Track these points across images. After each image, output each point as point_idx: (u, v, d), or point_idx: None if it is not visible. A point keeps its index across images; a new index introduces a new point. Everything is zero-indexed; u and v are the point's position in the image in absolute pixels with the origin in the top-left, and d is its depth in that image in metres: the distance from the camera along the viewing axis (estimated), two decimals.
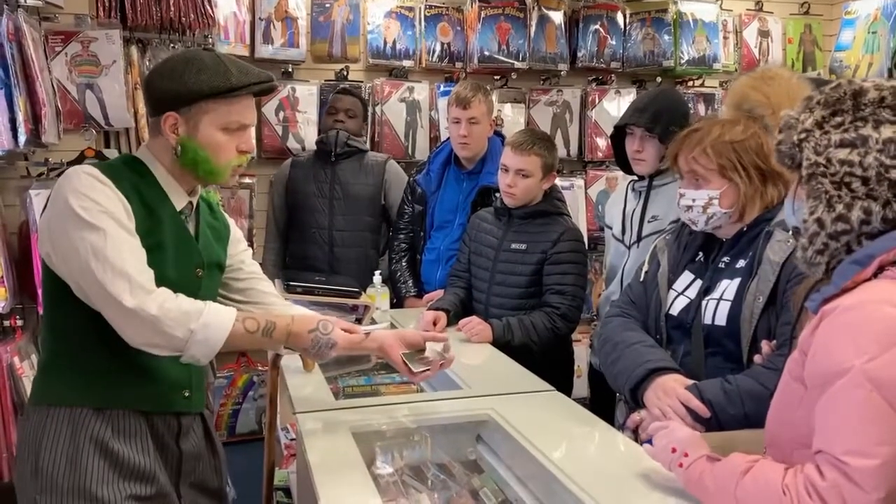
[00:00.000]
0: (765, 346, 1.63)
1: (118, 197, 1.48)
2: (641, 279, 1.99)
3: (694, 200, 1.78)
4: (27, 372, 2.73)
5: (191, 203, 1.65)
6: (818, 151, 1.20)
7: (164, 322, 1.43)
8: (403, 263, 3.16)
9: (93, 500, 1.48)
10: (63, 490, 1.48)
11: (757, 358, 1.63)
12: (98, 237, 1.42)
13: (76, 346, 1.53)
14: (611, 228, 2.70)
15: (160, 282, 1.50)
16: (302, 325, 1.61)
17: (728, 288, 1.74)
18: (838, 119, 1.20)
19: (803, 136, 1.22)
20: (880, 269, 1.13)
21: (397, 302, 3.15)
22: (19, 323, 2.77)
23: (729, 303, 1.72)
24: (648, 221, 2.49)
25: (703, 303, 1.76)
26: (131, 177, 1.55)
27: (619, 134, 2.57)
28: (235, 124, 1.58)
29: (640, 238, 2.50)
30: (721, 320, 1.72)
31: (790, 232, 1.41)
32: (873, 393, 1.06)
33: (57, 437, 1.50)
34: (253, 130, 1.68)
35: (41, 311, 2.64)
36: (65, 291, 1.48)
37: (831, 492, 1.07)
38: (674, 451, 1.34)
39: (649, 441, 1.63)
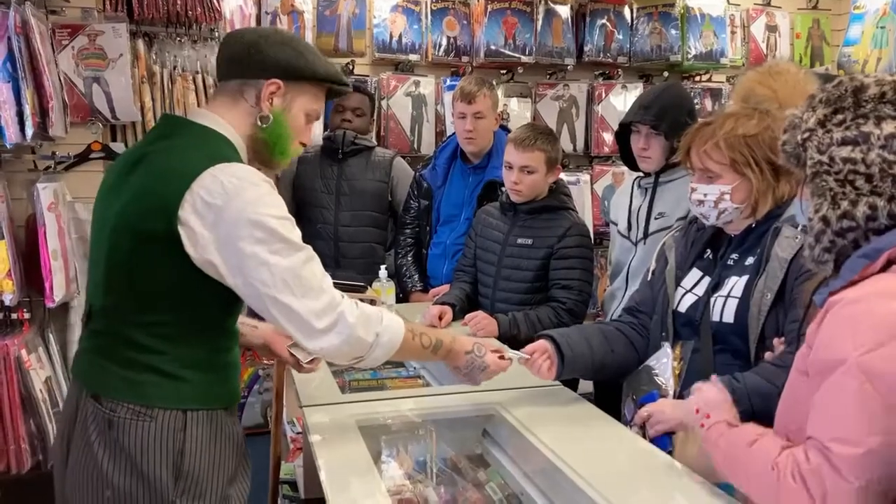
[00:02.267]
0: (776, 343, 1.63)
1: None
2: (648, 278, 1.99)
3: (706, 195, 1.77)
4: (34, 365, 2.74)
5: None
6: (821, 150, 1.20)
7: (357, 329, 1.46)
8: (409, 258, 3.16)
9: (227, 500, 1.50)
10: (206, 492, 1.46)
11: (767, 355, 1.63)
12: (294, 251, 1.41)
13: (212, 348, 1.48)
14: (616, 224, 2.69)
15: None
16: (461, 345, 1.70)
17: (736, 285, 1.73)
18: (840, 117, 1.20)
19: (806, 135, 1.22)
20: (889, 264, 1.13)
21: (403, 296, 3.15)
22: (26, 316, 2.78)
23: (737, 300, 1.71)
24: (655, 218, 2.48)
25: (712, 300, 1.76)
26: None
27: (625, 131, 2.55)
28: (316, 115, 1.60)
29: (646, 235, 2.49)
30: (729, 317, 1.71)
31: (799, 228, 1.41)
32: (866, 384, 1.08)
33: (200, 440, 1.46)
34: None
35: (51, 304, 2.69)
36: (198, 294, 1.42)
37: (813, 476, 1.10)
38: (697, 411, 1.38)
39: (657, 437, 1.63)
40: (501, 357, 1.76)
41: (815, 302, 1.22)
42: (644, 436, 1.66)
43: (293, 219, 1.45)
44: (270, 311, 1.42)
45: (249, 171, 1.42)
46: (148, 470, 1.41)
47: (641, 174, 2.58)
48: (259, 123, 1.51)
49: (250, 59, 1.50)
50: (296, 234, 1.44)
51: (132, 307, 1.44)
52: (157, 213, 1.38)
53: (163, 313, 1.42)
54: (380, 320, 1.51)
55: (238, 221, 1.36)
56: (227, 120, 1.51)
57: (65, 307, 2.95)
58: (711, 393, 1.41)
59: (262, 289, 1.39)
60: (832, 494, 1.08)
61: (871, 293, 1.11)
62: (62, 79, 2.96)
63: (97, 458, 1.43)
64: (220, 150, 1.45)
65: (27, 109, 2.57)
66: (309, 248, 1.45)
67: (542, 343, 1.87)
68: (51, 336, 2.90)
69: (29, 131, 2.57)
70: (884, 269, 1.14)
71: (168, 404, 1.43)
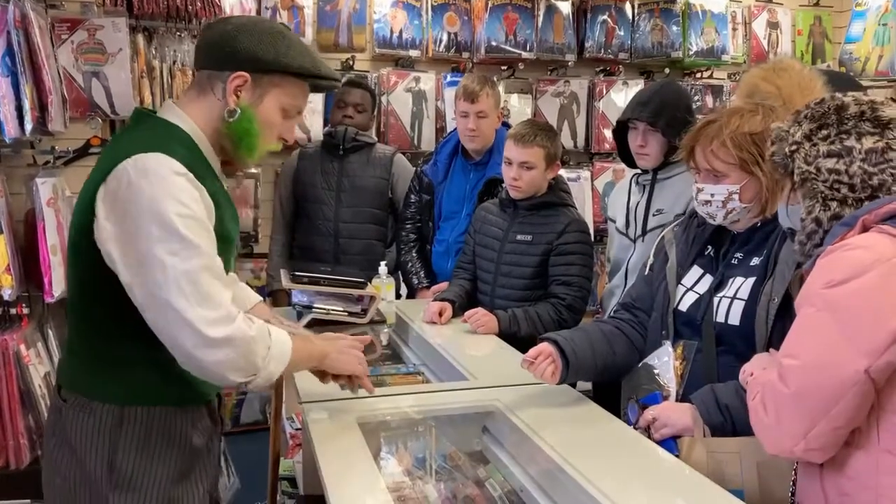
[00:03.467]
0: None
1: (205, 200, 1.39)
2: (646, 273, 1.97)
3: (713, 195, 1.73)
4: (33, 360, 2.74)
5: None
6: (808, 161, 1.34)
7: (251, 345, 1.37)
8: (414, 254, 3.15)
9: (171, 500, 1.46)
10: (142, 489, 1.43)
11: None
12: (194, 255, 1.32)
13: (150, 345, 1.39)
14: (614, 221, 2.69)
15: (227, 270, 1.47)
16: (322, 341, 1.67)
17: (742, 287, 1.70)
18: (825, 132, 1.34)
19: (794, 147, 1.37)
20: (865, 230, 1.26)
21: (409, 293, 3.15)
22: (25, 311, 2.78)
23: (743, 302, 1.68)
24: (653, 215, 2.48)
25: (715, 300, 1.73)
26: (189, 157, 1.40)
27: (622, 128, 2.55)
28: (295, 110, 1.54)
29: (645, 232, 2.50)
30: (735, 320, 1.69)
31: (786, 229, 1.45)
32: (822, 312, 1.24)
33: (136, 437, 1.43)
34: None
35: (51, 299, 2.69)
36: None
37: (768, 386, 1.30)
38: (743, 372, 1.51)
39: (663, 441, 1.62)
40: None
41: (803, 270, 1.35)
42: (648, 438, 1.64)
43: (205, 220, 1.36)
44: (161, 315, 1.32)
45: (163, 163, 1.34)
46: (86, 461, 1.43)
47: (639, 171, 2.57)
48: (226, 117, 1.45)
49: (220, 50, 1.46)
50: (202, 235, 1.35)
51: (77, 301, 1.48)
52: (86, 204, 1.38)
53: (101, 307, 1.42)
54: (268, 334, 1.43)
55: (139, 215, 1.31)
56: (189, 112, 1.47)
57: (63, 302, 2.92)
58: (765, 359, 1.48)
59: (154, 290, 1.31)
60: (771, 400, 1.27)
61: (846, 244, 1.25)
62: (61, 73, 2.95)
63: (50, 447, 1.49)
64: (156, 142, 1.38)
65: (26, 104, 2.55)
66: (212, 255, 1.36)
67: (545, 347, 1.83)
68: (50, 331, 2.89)
69: (28, 126, 2.56)
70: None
71: (105, 399, 1.43)
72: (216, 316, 1.33)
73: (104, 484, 1.42)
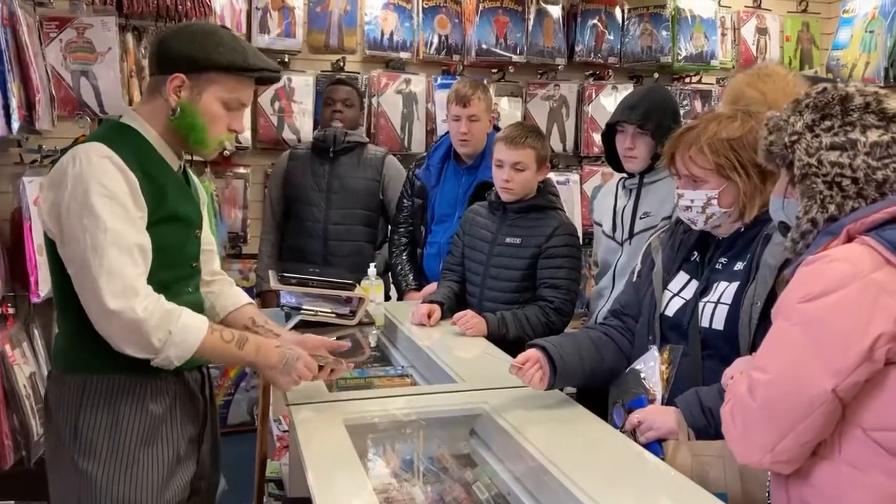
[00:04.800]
0: None
1: (130, 180, 1.52)
2: (634, 280, 1.98)
3: (693, 201, 1.75)
4: (18, 360, 2.71)
5: (181, 166, 1.71)
6: (810, 153, 1.28)
7: (148, 324, 1.48)
8: (404, 257, 3.16)
9: (132, 463, 1.58)
10: (103, 454, 1.56)
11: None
12: (101, 230, 1.46)
13: None
14: (601, 225, 2.70)
15: (177, 252, 1.63)
16: (269, 341, 1.71)
17: (726, 291, 1.72)
18: (828, 123, 1.28)
19: (794, 138, 1.30)
20: (850, 239, 1.23)
21: (399, 295, 3.15)
22: (11, 311, 2.75)
23: (727, 307, 1.69)
24: (640, 218, 2.50)
25: (700, 305, 1.74)
26: (133, 149, 1.57)
27: (610, 132, 2.57)
28: (236, 102, 1.65)
29: (632, 235, 2.51)
30: (719, 324, 1.70)
31: (776, 223, 1.42)
32: (795, 327, 1.21)
33: (96, 405, 1.57)
34: (246, 113, 1.74)
35: (37, 299, 2.67)
36: None
37: (737, 398, 1.28)
38: (725, 376, 1.52)
39: (648, 444, 1.63)
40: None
41: (786, 275, 1.32)
42: (634, 441, 1.65)
43: (124, 199, 1.50)
44: (78, 283, 1.50)
45: (92, 149, 1.51)
46: (60, 428, 1.60)
47: (626, 175, 2.59)
48: (171, 115, 1.60)
49: (158, 56, 1.63)
50: (117, 213, 1.48)
51: (53, 286, 1.63)
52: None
53: (64, 289, 1.56)
54: (177, 318, 1.52)
55: (64, 193, 1.49)
56: (143, 114, 1.64)
57: (50, 302, 2.91)
58: (744, 363, 1.47)
59: (73, 258, 1.49)
60: (739, 413, 1.26)
61: (826, 255, 1.22)
62: (49, 72, 2.93)
63: (46, 423, 1.67)
64: (101, 138, 1.56)
65: (13, 102, 2.53)
66: (122, 232, 1.49)
67: (533, 353, 1.84)
68: (35, 331, 2.87)
69: (15, 124, 2.54)
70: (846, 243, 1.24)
71: (74, 370, 1.61)
72: (118, 288, 1.46)
73: (70, 448, 1.57)
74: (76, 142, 2.92)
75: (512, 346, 2.36)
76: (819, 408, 1.18)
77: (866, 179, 1.24)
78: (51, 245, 1.56)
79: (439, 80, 3.94)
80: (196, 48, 1.58)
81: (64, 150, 1.58)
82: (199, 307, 1.70)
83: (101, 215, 1.47)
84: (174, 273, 1.65)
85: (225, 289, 1.92)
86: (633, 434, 1.67)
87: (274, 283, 2.56)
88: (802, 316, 1.21)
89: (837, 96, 1.28)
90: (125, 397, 1.59)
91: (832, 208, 1.26)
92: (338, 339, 2.40)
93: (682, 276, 1.84)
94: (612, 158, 2.61)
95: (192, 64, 1.58)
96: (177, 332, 1.51)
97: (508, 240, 2.59)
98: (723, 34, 4.38)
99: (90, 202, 1.47)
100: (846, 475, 1.20)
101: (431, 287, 2.85)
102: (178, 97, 1.59)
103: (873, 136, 1.25)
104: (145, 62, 3.26)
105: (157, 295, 1.52)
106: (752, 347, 1.64)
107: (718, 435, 1.56)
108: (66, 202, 1.49)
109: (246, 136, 3.74)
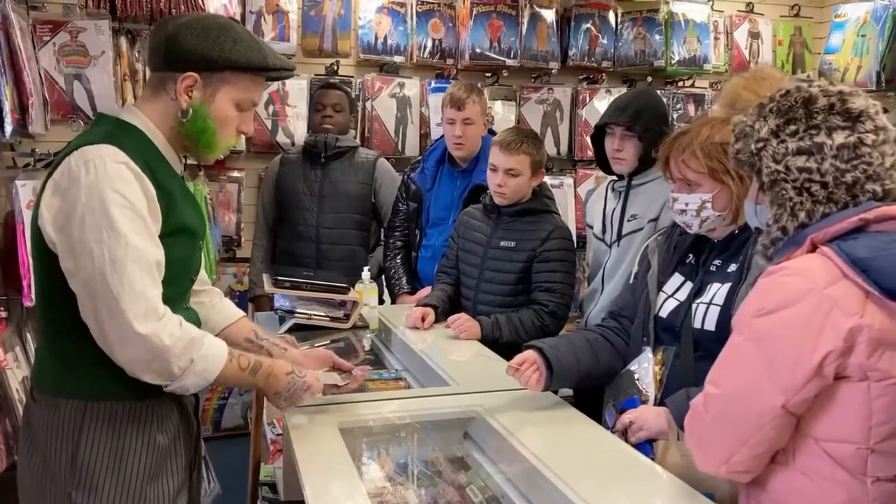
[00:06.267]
0: None
1: (147, 189, 1.39)
2: (630, 281, 1.99)
3: (687, 204, 1.76)
4: (10, 364, 2.70)
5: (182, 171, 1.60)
6: (777, 160, 1.25)
7: (173, 352, 1.37)
8: (398, 260, 3.16)
9: (139, 500, 1.45)
10: (105, 489, 1.43)
11: None
12: (122, 245, 1.33)
13: None
14: (591, 227, 2.72)
15: (183, 266, 1.49)
16: (281, 368, 1.60)
17: (718, 292, 1.73)
18: (792, 127, 1.25)
19: (761, 145, 1.28)
20: (814, 248, 1.22)
21: (392, 299, 3.15)
22: (3, 314, 2.74)
23: (719, 308, 1.70)
24: (628, 220, 2.52)
25: (694, 306, 1.75)
26: (142, 153, 1.43)
27: (599, 134, 2.58)
28: (248, 102, 1.54)
29: (620, 237, 2.53)
30: (711, 325, 1.71)
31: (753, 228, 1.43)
32: (748, 342, 1.22)
33: (98, 435, 1.43)
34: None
35: (29, 303, 2.66)
36: None
37: (693, 410, 1.30)
38: (630, 423, 1.61)
39: (639, 444, 1.63)
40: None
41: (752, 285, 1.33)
42: (626, 441, 1.66)
43: (142, 210, 1.37)
44: (91, 298, 1.34)
45: (105, 152, 1.37)
46: (50, 459, 1.44)
47: (615, 178, 2.61)
48: (180, 117, 1.47)
49: (167, 52, 1.46)
50: (137, 225, 1.35)
51: (40, 299, 1.48)
52: (37, 201, 1.42)
53: (62, 303, 1.41)
54: (200, 346, 1.42)
55: (76, 202, 1.34)
56: (145, 112, 1.49)
57: None
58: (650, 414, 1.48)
59: (84, 278, 1.34)
60: (695, 427, 1.28)
61: (784, 267, 1.22)
62: (43, 75, 2.93)
63: (22, 448, 1.51)
64: (106, 137, 1.41)
65: (6, 106, 2.53)
66: (142, 248, 1.36)
67: (530, 354, 1.84)
68: (28, 335, 2.86)
69: (8, 128, 2.54)
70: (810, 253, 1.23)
71: (70, 395, 1.44)
72: (138, 311, 1.33)
73: (66, 481, 1.43)
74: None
75: (506, 349, 2.36)
76: (769, 423, 1.19)
77: (835, 183, 1.22)
78: (45, 257, 1.40)
79: (433, 84, 3.94)
80: (211, 45, 1.44)
81: (59, 153, 1.45)
82: (196, 324, 1.53)
83: (122, 229, 1.33)
84: (177, 289, 1.51)
85: (216, 301, 1.82)
86: (624, 434, 1.68)
87: (268, 287, 2.56)
88: (755, 331, 1.21)
89: (801, 98, 1.25)
90: (130, 426, 1.45)
91: (802, 216, 1.24)
92: (332, 342, 2.40)
93: (676, 278, 1.85)
94: (601, 160, 2.63)
95: (206, 62, 1.44)
96: (198, 360, 1.41)
97: (503, 243, 2.59)
98: (716, 38, 4.40)
99: (109, 214, 1.33)
100: (799, 483, 1.21)
101: (425, 291, 2.85)
102: (190, 98, 1.46)
103: (839, 137, 1.22)
104: (139, 65, 3.26)
105: (177, 317, 1.40)
106: None
107: None
108: (78, 212, 1.33)
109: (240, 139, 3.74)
